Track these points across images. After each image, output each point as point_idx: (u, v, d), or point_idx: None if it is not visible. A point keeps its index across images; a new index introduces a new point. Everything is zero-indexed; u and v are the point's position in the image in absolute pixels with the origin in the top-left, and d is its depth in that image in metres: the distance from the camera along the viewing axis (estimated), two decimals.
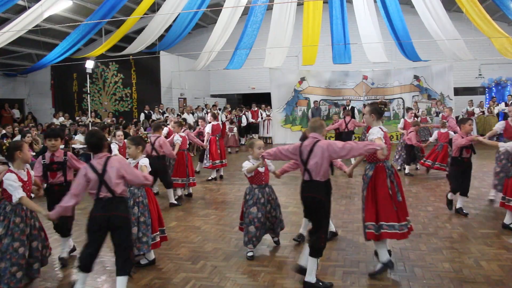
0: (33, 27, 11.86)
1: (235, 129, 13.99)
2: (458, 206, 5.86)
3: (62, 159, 4.33)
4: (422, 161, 8.84)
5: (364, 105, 12.26)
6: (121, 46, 15.43)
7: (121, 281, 3.35)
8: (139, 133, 10.32)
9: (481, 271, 3.89)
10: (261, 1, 13.74)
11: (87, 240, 3.41)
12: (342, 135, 10.44)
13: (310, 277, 3.61)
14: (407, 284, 3.68)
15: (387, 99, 14.95)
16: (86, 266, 3.39)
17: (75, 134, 11.03)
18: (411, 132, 8.78)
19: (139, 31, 15.09)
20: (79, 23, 12.98)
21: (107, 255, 4.52)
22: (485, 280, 3.70)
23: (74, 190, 3.36)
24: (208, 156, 8.88)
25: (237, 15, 13.82)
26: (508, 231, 5.03)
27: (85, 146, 9.59)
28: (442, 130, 8.56)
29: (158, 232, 4.37)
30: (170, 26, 14.35)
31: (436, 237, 4.88)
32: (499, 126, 6.29)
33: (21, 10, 12.45)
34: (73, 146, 9.61)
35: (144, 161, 4.32)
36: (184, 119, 8.81)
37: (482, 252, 4.37)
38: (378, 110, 4.14)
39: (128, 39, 15.77)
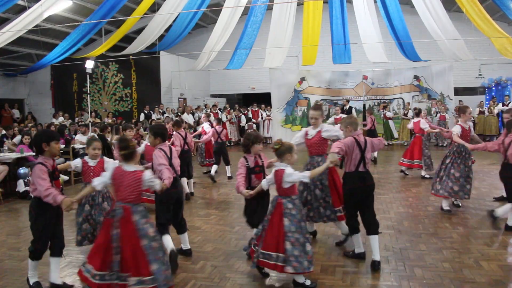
0: (33, 27, 11.86)
1: (254, 126, 14.93)
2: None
3: (55, 165, 3.75)
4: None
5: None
6: (121, 46, 15.43)
7: (184, 236, 4.44)
8: (139, 133, 10.34)
9: (481, 271, 3.89)
10: (261, 1, 13.74)
11: (161, 212, 4.13)
12: (370, 133, 10.68)
13: (378, 255, 4.05)
14: (407, 284, 3.68)
15: (387, 99, 14.98)
16: (165, 228, 4.09)
17: (75, 134, 11.02)
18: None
19: (139, 31, 15.09)
20: (79, 23, 12.98)
21: None
22: (485, 280, 3.70)
23: (167, 165, 3.95)
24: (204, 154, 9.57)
25: (237, 15, 13.83)
26: (509, 231, 5.04)
27: (85, 145, 9.63)
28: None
29: None
30: (170, 26, 14.35)
31: (436, 237, 4.88)
32: (456, 130, 5.83)
33: (21, 10, 12.44)
34: (73, 146, 9.60)
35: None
36: (219, 119, 9.82)
37: (482, 252, 4.37)
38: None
39: (128, 39, 15.78)
